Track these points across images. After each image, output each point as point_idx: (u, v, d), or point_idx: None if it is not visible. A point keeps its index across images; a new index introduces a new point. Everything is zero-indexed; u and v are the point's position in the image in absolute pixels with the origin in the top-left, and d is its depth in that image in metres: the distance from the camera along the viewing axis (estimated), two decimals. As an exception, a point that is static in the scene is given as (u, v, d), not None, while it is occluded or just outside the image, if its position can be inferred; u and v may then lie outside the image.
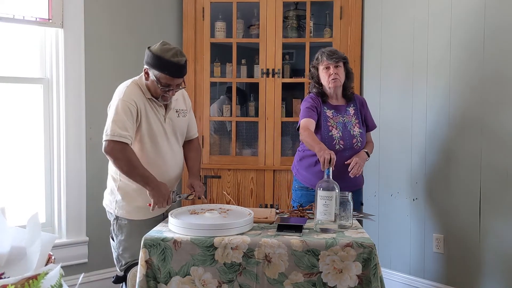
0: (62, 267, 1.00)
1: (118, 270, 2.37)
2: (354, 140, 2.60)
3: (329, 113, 2.63)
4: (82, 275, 1.37)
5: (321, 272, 1.89)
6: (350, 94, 2.71)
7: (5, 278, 1.04)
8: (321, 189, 2.06)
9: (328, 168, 2.12)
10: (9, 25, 2.88)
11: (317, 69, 2.65)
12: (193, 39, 3.53)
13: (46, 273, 0.96)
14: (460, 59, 2.91)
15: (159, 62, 2.17)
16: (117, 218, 2.34)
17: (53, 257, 1.13)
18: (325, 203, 2.04)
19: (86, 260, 3.15)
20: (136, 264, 2.11)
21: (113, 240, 2.39)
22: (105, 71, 3.23)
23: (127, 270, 2.28)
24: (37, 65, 3.05)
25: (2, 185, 2.95)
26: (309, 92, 2.75)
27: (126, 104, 2.18)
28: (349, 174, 2.47)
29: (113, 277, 2.34)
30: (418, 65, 3.13)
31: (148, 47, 2.24)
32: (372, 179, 3.41)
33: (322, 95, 2.66)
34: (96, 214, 3.19)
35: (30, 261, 1.10)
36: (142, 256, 1.95)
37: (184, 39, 3.53)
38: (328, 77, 2.58)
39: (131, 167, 2.18)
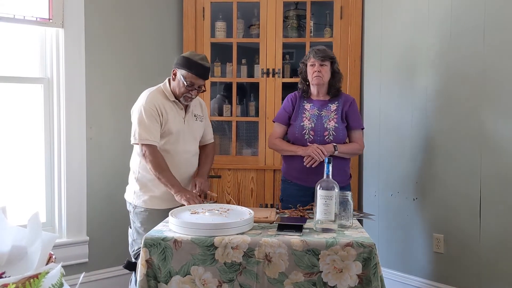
0: (62, 266, 1.00)
1: (131, 256, 2.55)
2: (326, 133, 2.65)
3: (307, 106, 2.75)
4: (82, 275, 1.38)
5: (321, 271, 1.89)
6: (336, 92, 2.75)
7: (6, 277, 1.04)
8: (321, 188, 2.06)
9: (327, 168, 2.11)
10: (9, 25, 2.88)
11: (306, 65, 2.75)
12: (193, 39, 3.52)
13: (47, 272, 0.96)
14: (460, 60, 2.91)
15: (188, 62, 2.47)
16: (135, 207, 2.57)
17: (53, 257, 1.13)
18: (325, 203, 2.04)
19: (87, 259, 3.15)
20: None
21: (130, 228, 2.62)
22: (106, 70, 3.23)
23: (138, 258, 2.32)
24: (37, 65, 3.05)
25: (3, 185, 2.96)
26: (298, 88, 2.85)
27: (148, 110, 2.45)
28: (304, 164, 2.57)
29: (124, 262, 2.44)
30: (418, 65, 3.13)
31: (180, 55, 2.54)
32: (372, 179, 3.41)
33: (305, 91, 2.77)
34: (97, 214, 3.20)
35: (31, 261, 1.10)
36: (142, 255, 1.96)
37: (184, 39, 3.53)
38: (312, 73, 2.68)
39: (159, 169, 2.43)
